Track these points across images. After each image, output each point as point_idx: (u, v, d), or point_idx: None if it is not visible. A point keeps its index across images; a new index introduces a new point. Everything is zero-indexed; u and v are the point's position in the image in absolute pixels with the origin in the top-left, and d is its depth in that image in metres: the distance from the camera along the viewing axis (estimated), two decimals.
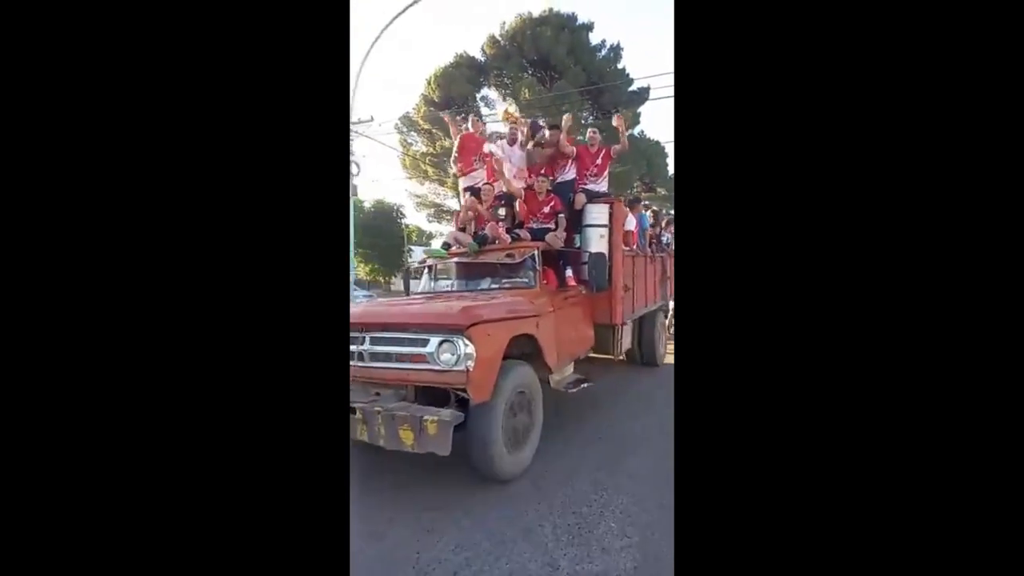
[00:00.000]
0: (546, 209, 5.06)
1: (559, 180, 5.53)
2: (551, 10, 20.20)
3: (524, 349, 4.08)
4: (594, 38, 20.09)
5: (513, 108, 5.81)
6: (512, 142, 5.55)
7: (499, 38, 20.41)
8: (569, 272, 4.69)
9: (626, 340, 5.68)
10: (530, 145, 5.60)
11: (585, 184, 5.41)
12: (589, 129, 5.54)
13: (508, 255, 4.51)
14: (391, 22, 12.84)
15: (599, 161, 5.37)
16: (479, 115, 5.84)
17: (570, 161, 5.45)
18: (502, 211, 4.96)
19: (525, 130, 5.65)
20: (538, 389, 3.92)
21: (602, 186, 5.44)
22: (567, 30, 19.58)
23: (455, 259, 4.79)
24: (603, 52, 20.35)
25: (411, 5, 11.70)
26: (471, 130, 5.64)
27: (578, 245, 5.20)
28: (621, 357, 5.72)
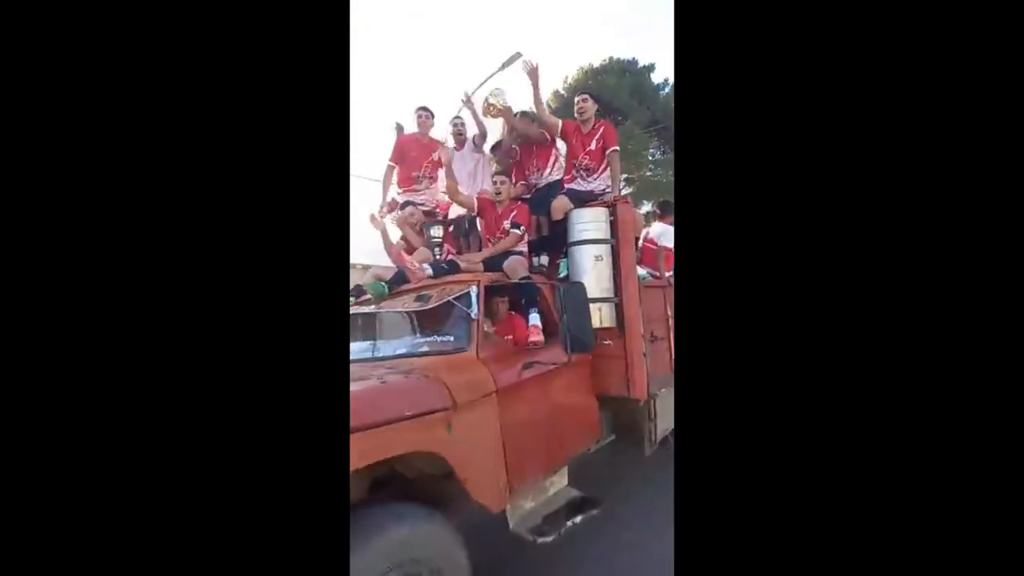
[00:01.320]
0: (506, 224, 2.99)
1: (542, 183, 3.45)
2: (611, 58, 19.62)
3: (436, 469, 1.99)
4: (656, 77, 18.91)
5: (496, 99, 3.84)
6: (461, 145, 3.63)
7: (563, 91, 19.82)
8: (535, 320, 2.52)
9: (664, 420, 3.24)
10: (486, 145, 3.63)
11: (573, 183, 3.26)
12: (578, 96, 3.34)
13: (419, 298, 2.46)
14: (481, 84, 11.96)
15: (593, 145, 3.21)
16: (430, 111, 3.76)
17: (554, 153, 3.36)
18: (437, 231, 2.95)
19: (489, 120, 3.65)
20: (454, 553, 1.80)
21: (600, 185, 3.24)
22: (628, 74, 18.79)
23: (352, 311, 2.79)
24: (666, 89, 18.90)
25: (496, 72, 11.29)
26: (418, 131, 3.72)
27: (564, 275, 3.02)
28: (655, 447, 3.17)
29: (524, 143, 3.55)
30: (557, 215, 3.03)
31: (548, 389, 2.55)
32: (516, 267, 2.68)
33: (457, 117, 3.76)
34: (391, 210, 3.59)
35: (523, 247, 3.05)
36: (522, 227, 2.99)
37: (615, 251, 2.97)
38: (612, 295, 2.91)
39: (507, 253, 2.89)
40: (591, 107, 3.25)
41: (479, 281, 2.54)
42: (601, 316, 2.86)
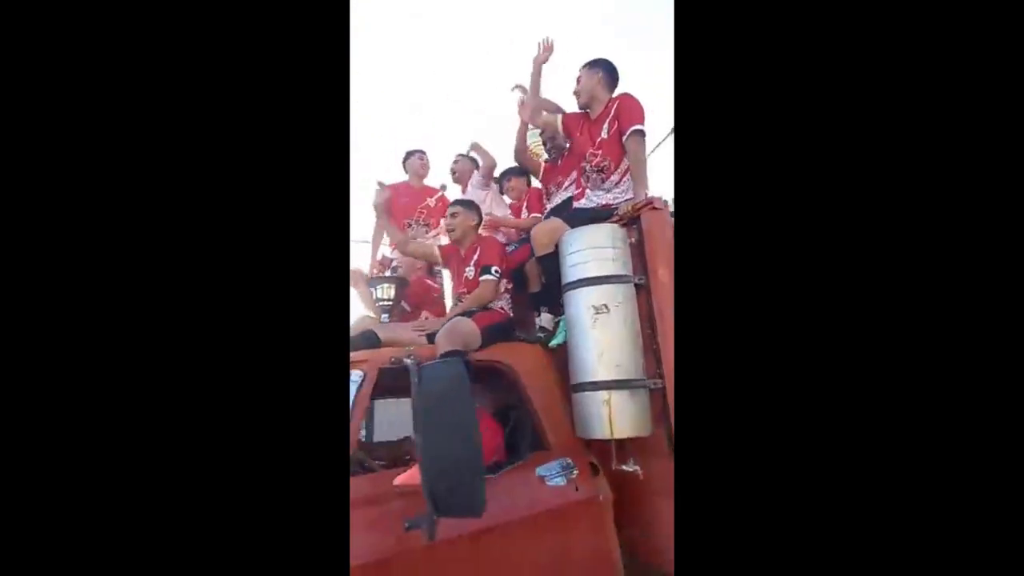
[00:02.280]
0: (469, 270, 1.91)
1: (550, 207, 2.32)
2: None
3: None
4: None
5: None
6: (465, 186, 2.76)
7: None
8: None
9: None
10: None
11: (583, 198, 2.03)
12: (581, 69, 2.07)
13: None
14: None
15: (605, 132, 1.97)
16: (424, 153, 2.95)
17: (572, 171, 2.21)
18: (385, 291, 2.01)
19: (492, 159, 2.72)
20: None
21: (622, 192, 1.94)
22: None
23: None
24: None
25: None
26: (408, 177, 2.94)
27: (558, 342, 1.76)
28: None
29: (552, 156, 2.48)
30: (541, 248, 1.81)
31: (492, 558, 1.28)
32: (440, 338, 1.53)
33: (460, 155, 2.91)
34: (382, 270, 2.80)
35: (502, 300, 1.90)
36: (494, 269, 1.85)
37: (646, 294, 1.63)
38: (637, 375, 1.53)
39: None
40: (596, 80, 2.02)
41: (368, 364, 1.47)
42: (611, 418, 1.48)
